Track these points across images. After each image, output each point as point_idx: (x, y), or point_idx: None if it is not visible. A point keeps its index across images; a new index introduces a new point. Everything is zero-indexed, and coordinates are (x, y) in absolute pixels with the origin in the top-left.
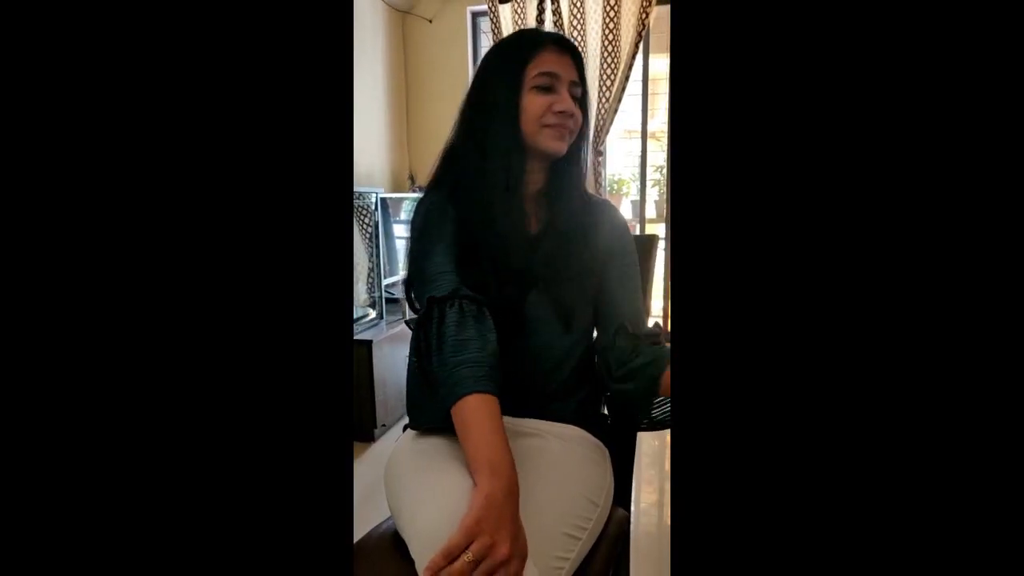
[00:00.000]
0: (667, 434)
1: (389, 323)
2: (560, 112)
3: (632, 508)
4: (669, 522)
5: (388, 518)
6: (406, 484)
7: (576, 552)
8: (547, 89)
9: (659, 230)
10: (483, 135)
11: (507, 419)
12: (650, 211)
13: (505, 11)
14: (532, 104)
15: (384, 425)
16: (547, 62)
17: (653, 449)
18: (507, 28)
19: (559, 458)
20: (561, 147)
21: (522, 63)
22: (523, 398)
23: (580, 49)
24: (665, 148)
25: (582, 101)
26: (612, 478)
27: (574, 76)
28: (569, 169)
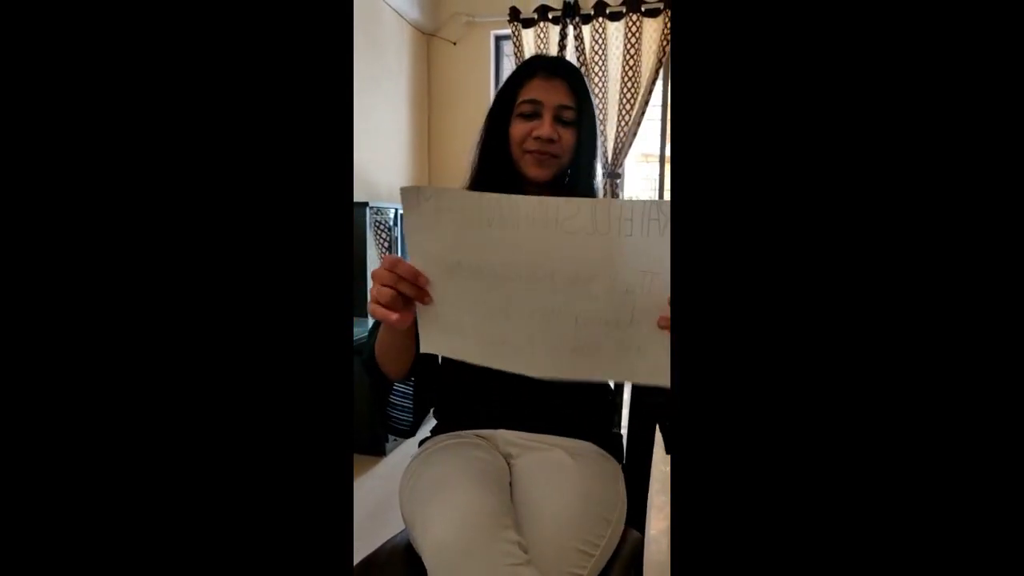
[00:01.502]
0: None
1: None
2: (538, 138)
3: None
4: None
5: (401, 531)
6: (420, 496)
7: (589, 569)
8: (530, 116)
9: None
10: (482, 162)
11: (520, 434)
12: None
13: (528, 36)
14: (515, 131)
15: (395, 439)
16: (532, 89)
17: (663, 475)
18: (529, 52)
19: (572, 473)
20: (540, 173)
21: (513, 92)
22: (535, 413)
23: (594, 72)
24: None
25: (577, 123)
26: (625, 495)
27: (563, 100)
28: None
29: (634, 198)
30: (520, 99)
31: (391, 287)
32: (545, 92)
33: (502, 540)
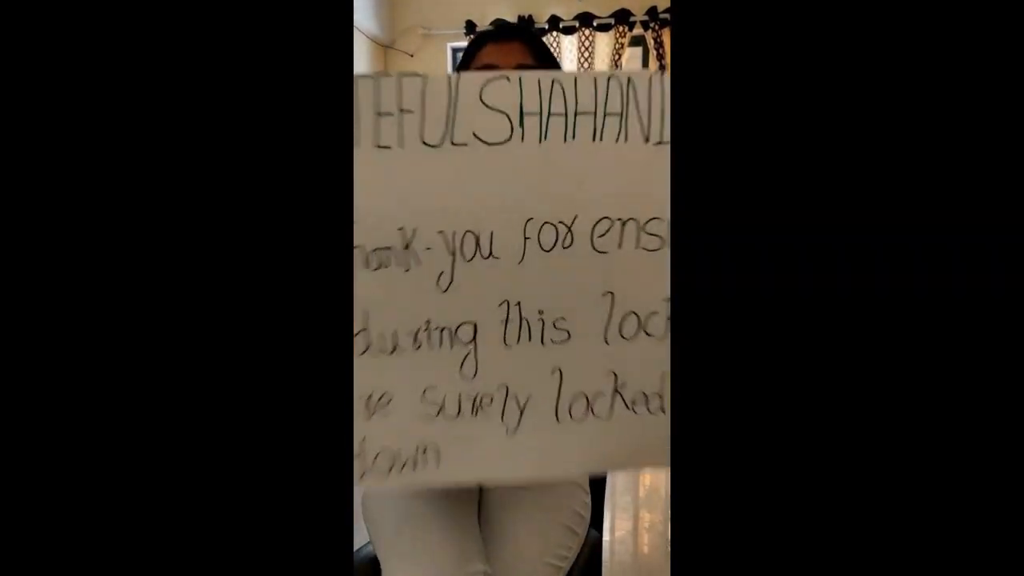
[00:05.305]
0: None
1: None
2: None
3: (606, 536)
4: (645, 551)
5: (366, 543)
6: (390, 531)
7: None
8: None
9: None
10: None
11: None
12: None
13: None
14: None
15: None
16: (486, 55)
17: (630, 476)
18: None
19: (537, 490)
20: None
21: (466, 64)
22: None
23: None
24: None
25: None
26: (590, 504)
27: (521, 59)
28: None
29: None
30: (475, 66)
31: None
32: (500, 55)
33: (468, 574)
